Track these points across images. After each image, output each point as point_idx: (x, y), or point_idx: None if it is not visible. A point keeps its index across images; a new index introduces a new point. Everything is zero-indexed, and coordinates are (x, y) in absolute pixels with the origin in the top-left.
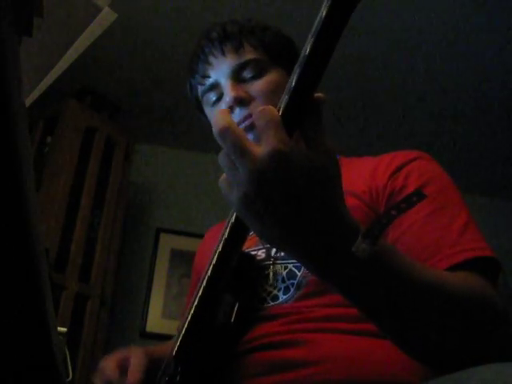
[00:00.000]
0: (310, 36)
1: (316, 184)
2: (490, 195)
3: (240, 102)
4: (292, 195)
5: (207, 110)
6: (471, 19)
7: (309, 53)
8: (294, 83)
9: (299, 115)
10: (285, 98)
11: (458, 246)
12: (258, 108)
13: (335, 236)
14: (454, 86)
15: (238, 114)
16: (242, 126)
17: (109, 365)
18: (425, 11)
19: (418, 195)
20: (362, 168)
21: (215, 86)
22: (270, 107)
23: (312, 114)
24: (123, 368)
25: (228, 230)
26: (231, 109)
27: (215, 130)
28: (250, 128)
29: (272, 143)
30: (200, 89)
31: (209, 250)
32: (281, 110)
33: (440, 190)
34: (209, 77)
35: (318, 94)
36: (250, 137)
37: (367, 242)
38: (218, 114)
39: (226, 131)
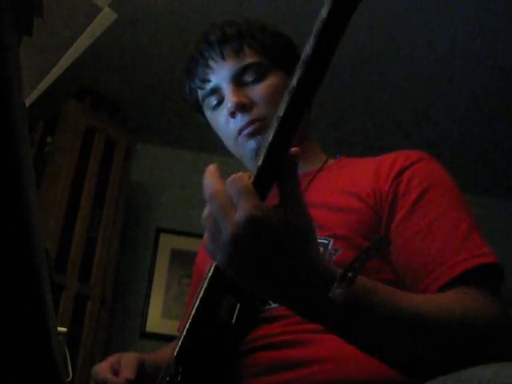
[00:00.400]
0: (311, 36)
1: (290, 244)
2: (490, 195)
3: (242, 107)
4: (268, 256)
5: (208, 114)
6: (473, 20)
7: (311, 53)
8: (295, 84)
9: (286, 146)
10: (285, 100)
11: (461, 254)
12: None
13: (313, 286)
14: (455, 86)
15: (240, 119)
16: (245, 132)
17: (101, 367)
18: (426, 10)
19: (386, 241)
20: (365, 169)
21: (216, 91)
22: (240, 175)
23: (288, 171)
24: (115, 369)
25: None
26: (233, 114)
27: (205, 192)
28: (253, 135)
29: (245, 210)
30: (200, 93)
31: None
32: (267, 145)
33: (442, 194)
34: (209, 81)
35: (294, 149)
36: (252, 143)
37: (343, 286)
38: (207, 178)
39: (215, 196)
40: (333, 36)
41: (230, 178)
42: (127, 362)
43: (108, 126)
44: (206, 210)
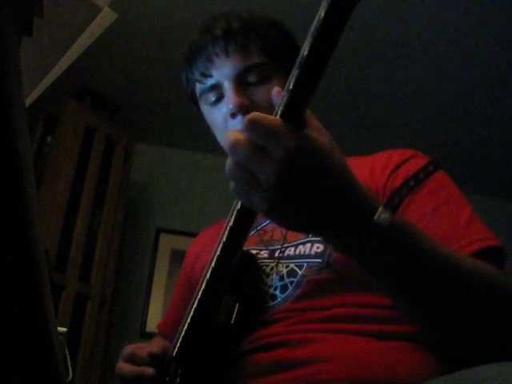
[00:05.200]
0: (308, 36)
1: (333, 168)
2: (490, 195)
3: (244, 109)
4: (316, 186)
5: (205, 109)
6: (472, 18)
7: (307, 54)
8: (292, 84)
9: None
10: (284, 98)
11: (467, 237)
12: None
13: (359, 211)
14: (455, 86)
15: (240, 121)
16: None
17: (131, 345)
18: (425, 9)
19: (435, 165)
20: (359, 168)
21: (216, 87)
22: (260, 115)
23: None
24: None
25: (227, 233)
26: (234, 115)
27: (228, 143)
28: None
29: (285, 144)
30: (199, 86)
31: (198, 251)
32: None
33: (441, 185)
34: (210, 76)
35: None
36: None
37: (388, 211)
38: (229, 132)
39: (240, 142)
40: (330, 36)
41: (249, 120)
42: (155, 342)
43: (108, 126)
44: (230, 161)
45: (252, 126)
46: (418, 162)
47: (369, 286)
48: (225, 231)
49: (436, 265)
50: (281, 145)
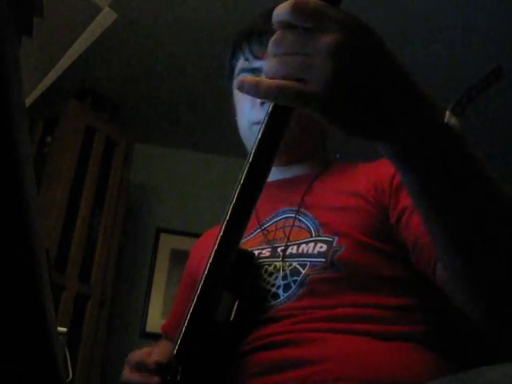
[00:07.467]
0: None
1: (388, 49)
2: None
3: None
4: (375, 62)
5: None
6: (473, 14)
7: None
8: None
9: None
10: None
11: None
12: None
13: (422, 98)
14: (453, 84)
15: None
16: None
17: (136, 352)
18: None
19: (499, 70)
20: (365, 169)
21: (258, 71)
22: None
23: None
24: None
25: (223, 228)
26: (263, 104)
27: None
28: None
29: (339, 15)
30: (243, 63)
31: (203, 251)
32: None
33: None
34: (260, 59)
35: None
36: None
37: (457, 112)
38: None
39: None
40: None
41: (294, 3)
42: (160, 348)
43: (108, 126)
44: (278, 36)
45: (299, 7)
46: None
47: (372, 285)
48: (222, 225)
49: (488, 181)
50: (334, 20)
